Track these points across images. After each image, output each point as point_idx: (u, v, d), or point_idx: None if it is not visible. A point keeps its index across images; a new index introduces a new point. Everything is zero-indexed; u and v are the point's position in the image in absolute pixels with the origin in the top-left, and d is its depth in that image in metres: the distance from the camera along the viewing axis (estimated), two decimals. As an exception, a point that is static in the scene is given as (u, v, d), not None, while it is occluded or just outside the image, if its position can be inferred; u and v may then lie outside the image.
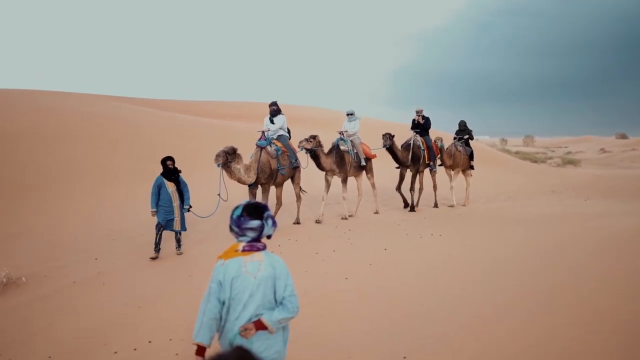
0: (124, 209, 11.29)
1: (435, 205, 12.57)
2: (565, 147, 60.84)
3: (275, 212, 10.07)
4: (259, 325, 2.77)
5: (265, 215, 2.85)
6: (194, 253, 8.36)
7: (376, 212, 11.45)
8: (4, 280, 6.77)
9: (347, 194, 11.09)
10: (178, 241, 8.37)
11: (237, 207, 2.87)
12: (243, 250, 2.83)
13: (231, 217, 2.86)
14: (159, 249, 8.12)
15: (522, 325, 4.89)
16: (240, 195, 10.34)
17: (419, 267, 7.17)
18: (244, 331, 2.75)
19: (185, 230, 8.35)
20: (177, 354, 4.73)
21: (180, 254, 8.31)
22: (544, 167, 28.95)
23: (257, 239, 2.87)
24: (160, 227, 8.05)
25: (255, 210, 2.83)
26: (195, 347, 2.88)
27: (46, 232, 9.94)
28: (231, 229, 2.87)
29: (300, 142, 10.10)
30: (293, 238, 9.09)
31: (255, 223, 2.81)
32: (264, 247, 2.90)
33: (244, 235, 2.84)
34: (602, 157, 39.09)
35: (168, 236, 8.86)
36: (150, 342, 5.08)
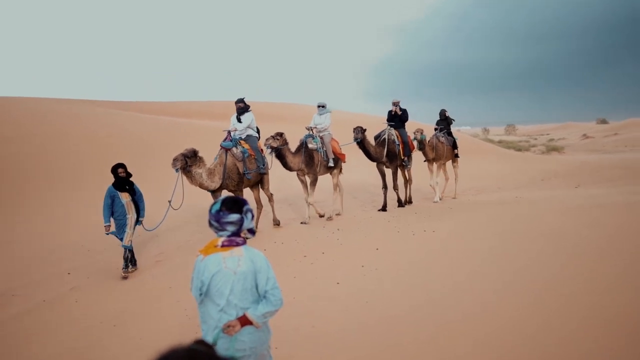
0: (99, 217, 10.73)
1: (409, 201, 12.11)
2: (547, 134, 61.23)
3: (257, 217, 9.50)
4: (244, 321, 2.75)
5: (245, 209, 2.82)
6: (173, 263, 7.86)
7: (338, 214, 10.62)
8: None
9: (316, 197, 10.43)
10: (126, 260, 7.35)
11: (215, 202, 2.83)
12: (222, 246, 2.80)
13: (210, 212, 2.81)
14: (135, 260, 7.63)
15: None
16: (204, 200, 9.84)
17: (413, 268, 6.75)
18: (227, 328, 2.71)
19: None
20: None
21: (126, 276, 7.36)
22: (529, 155, 28.92)
23: (237, 233, 2.83)
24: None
25: (234, 204, 2.80)
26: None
27: (18, 245, 9.35)
28: (210, 224, 2.82)
29: (267, 139, 9.34)
30: (279, 241, 8.64)
31: (234, 217, 2.76)
32: (244, 242, 2.86)
33: (223, 229, 2.80)
34: (585, 143, 39.25)
35: (141, 244, 8.33)
36: (126, 366, 4.62)
